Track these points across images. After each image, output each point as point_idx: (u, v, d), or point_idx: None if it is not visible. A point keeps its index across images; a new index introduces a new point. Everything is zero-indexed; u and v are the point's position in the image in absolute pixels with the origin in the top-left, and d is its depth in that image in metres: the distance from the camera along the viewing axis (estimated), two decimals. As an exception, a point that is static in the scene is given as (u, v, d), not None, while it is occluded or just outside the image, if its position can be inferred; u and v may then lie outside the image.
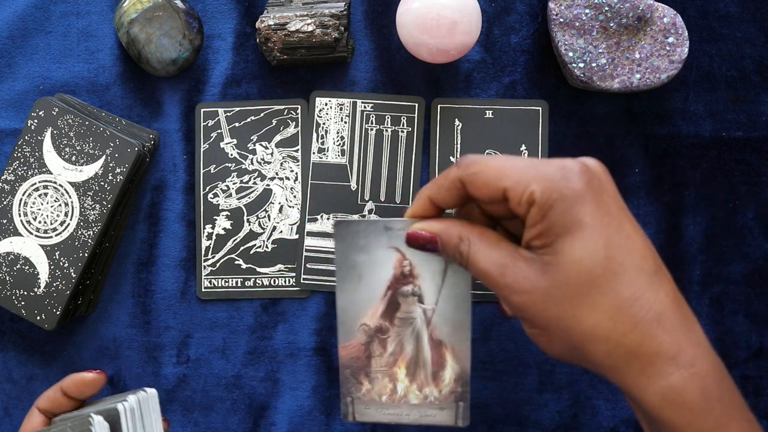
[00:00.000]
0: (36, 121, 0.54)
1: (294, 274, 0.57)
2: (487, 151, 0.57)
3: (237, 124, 0.57)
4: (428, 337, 0.48)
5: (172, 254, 0.57)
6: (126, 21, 0.55)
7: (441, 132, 0.57)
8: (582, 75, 0.53)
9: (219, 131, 0.57)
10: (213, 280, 0.57)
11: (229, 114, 0.57)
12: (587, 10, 0.53)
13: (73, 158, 0.53)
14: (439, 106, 0.57)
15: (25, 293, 0.53)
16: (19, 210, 0.54)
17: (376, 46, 0.57)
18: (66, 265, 0.53)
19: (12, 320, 0.57)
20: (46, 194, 0.54)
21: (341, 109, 0.57)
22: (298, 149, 0.57)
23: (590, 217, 0.38)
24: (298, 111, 0.57)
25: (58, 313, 0.53)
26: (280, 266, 0.57)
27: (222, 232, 0.57)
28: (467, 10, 0.52)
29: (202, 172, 0.57)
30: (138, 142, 0.54)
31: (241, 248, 0.57)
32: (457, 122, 0.57)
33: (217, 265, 0.57)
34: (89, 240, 0.53)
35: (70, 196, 0.53)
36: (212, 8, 0.58)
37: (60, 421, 0.46)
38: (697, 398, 0.37)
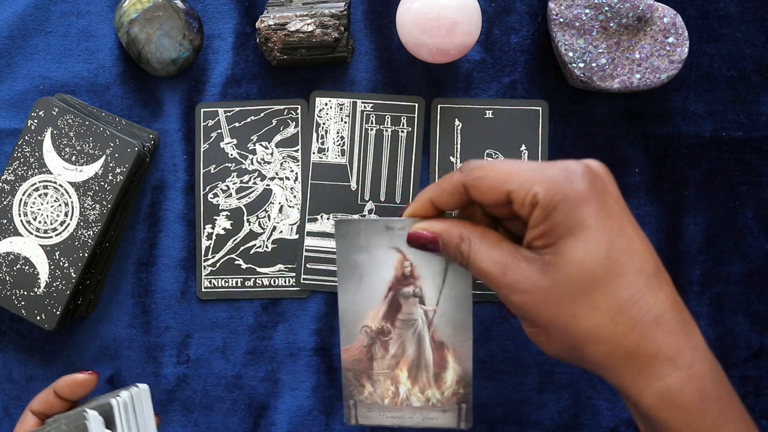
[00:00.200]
0: (36, 121, 0.54)
1: (294, 274, 0.57)
2: (487, 152, 0.57)
3: (237, 124, 0.57)
4: (430, 339, 0.48)
5: (172, 254, 0.57)
6: (126, 21, 0.55)
7: (441, 132, 0.57)
8: (582, 75, 0.53)
9: (219, 131, 0.57)
10: (213, 280, 0.57)
11: (229, 114, 0.57)
12: (587, 10, 0.53)
13: (73, 158, 0.53)
14: (439, 106, 0.57)
15: (25, 293, 0.53)
16: (19, 210, 0.54)
17: (376, 46, 0.57)
18: (66, 265, 0.53)
19: (12, 320, 0.57)
20: (46, 194, 0.54)
21: (341, 109, 0.57)
22: (298, 149, 0.57)
23: (593, 219, 0.38)
24: (298, 111, 0.57)
25: (58, 313, 0.53)
26: (280, 266, 0.57)
27: (222, 232, 0.57)
28: (467, 10, 0.52)
29: (202, 172, 0.57)
30: (138, 142, 0.54)
31: (241, 248, 0.57)
32: (457, 122, 0.57)
33: (217, 265, 0.57)
34: (89, 240, 0.53)
35: (70, 196, 0.53)
36: (212, 8, 0.58)
37: (53, 421, 0.46)
38: (695, 400, 0.37)
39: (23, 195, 0.54)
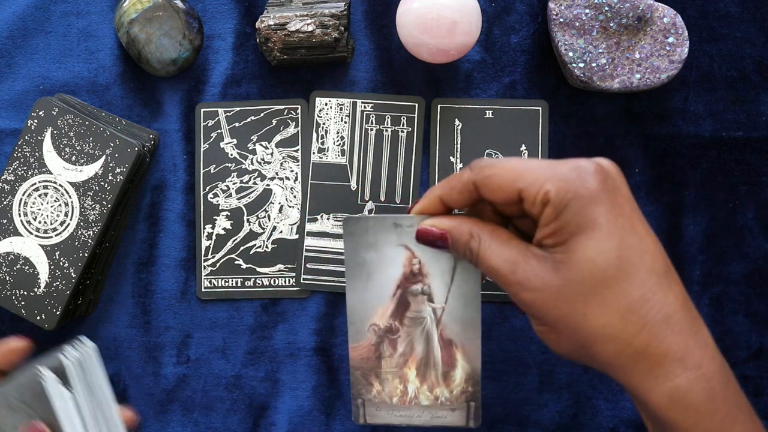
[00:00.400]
0: (36, 121, 0.54)
1: (294, 274, 0.57)
2: (487, 152, 0.57)
3: (237, 124, 0.57)
4: (438, 337, 0.48)
5: (172, 254, 0.57)
6: (126, 21, 0.55)
7: (441, 132, 0.57)
8: (582, 75, 0.53)
9: (219, 131, 0.57)
10: (213, 280, 0.57)
11: (229, 114, 0.57)
12: (587, 10, 0.53)
13: (73, 158, 0.53)
14: (439, 106, 0.57)
15: (25, 293, 0.53)
16: (19, 210, 0.54)
17: (376, 46, 0.57)
18: (66, 265, 0.53)
19: (12, 320, 0.57)
20: (46, 194, 0.54)
21: (341, 109, 0.57)
22: (298, 149, 0.57)
23: (604, 218, 0.38)
24: (298, 111, 0.57)
25: (58, 313, 0.53)
26: (280, 266, 0.57)
27: (222, 232, 0.57)
28: (467, 10, 0.52)
29: (202, 172, 0.57)
30: (138, 142, 0.54)
31: (241, 248, 0.57)
32: (457, 122, 0.57)
33: (217, 265, 0.57)
34: (89, 240, 0.53)
35: (70, 196, 0.53)
36: (212, 8, 0.58)
37: None
38: (703, 400, 0.37)
39: (23, 195, 0.54)
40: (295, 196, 0.57)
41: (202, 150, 0.57)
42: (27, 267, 0.53)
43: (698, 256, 0.56)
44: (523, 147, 0.57)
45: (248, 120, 0.57)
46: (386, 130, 0.57)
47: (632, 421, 0.56)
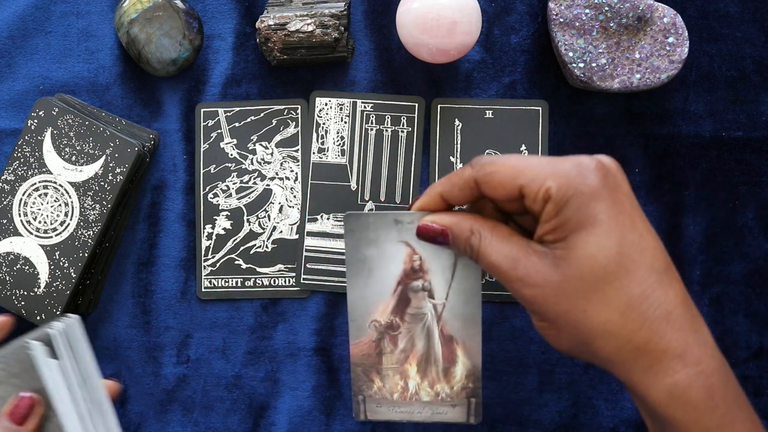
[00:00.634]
0: (36, 121, 0.54)
1: (294, 274, 0.57)
2: (487, 151, 0.57)
3: (237, 124, 0.57)
4: (439, 333, 0.48)
5: (172, 254, 0.57)
6: (126, 21, 0.55)
7: (441, 132, 0.57)
8: (582, 75, 0.53)
9: (219, 131, 0.57)
10: (213, 280, 0.57)
11: (229, 114, 0.57)
12: (587, 10, 0.53)
13: (73, 158, 0.54)
14: (439, 106, 0.57)
15: (25, 293, 0.53)
16: (19, 210, 0.54)
17: (376, 46, 0.57)
18: (66, 265, 0.53)
19: (12, 320, 0.57)
20: (46, 194, 0.54)
21: (341, 109, 0.57)
22: (298, 149, 0.57)
23: (605, 214, 0.38)
24: (298, 111, 0.57)
25: (58, 313, 0.53)
26: (280, 266, 0.57)
27: (222, 232, 0.57)
28: (467, 10, 0.52)
29: (202, 172, 0.57)
30: (138, 142, 0.54)
31: (241, 248, 0.57)
32: (457, 122, 0.57)
33: (217, 265, 0.57)
34: (89, 240, 0.53)
35: (70, 196, 0.53)
36: (212, 8, 0.58)
37: None
38: (703, 396, 0.37)
39: (23, 195, 0.54)
40: (295, 196, 0.57)
41: (202, 150, 0.57)
42: (27, 267, 0.53)
43: (698, 256, 0.56)
44: (523, 147, 0.57)
45: (248, 120, 0.57)
46: (386, 130, 0.57)
47: (632, 421, 0.56)
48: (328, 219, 0.57)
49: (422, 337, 0.48)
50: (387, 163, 0.57)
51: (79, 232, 0.53)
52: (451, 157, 0.57)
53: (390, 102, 0.57)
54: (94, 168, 0.53)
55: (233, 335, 0.57)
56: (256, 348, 0.57)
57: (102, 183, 0.53)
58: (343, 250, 0.56)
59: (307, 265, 0.57)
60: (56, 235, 0.53)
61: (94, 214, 0.53)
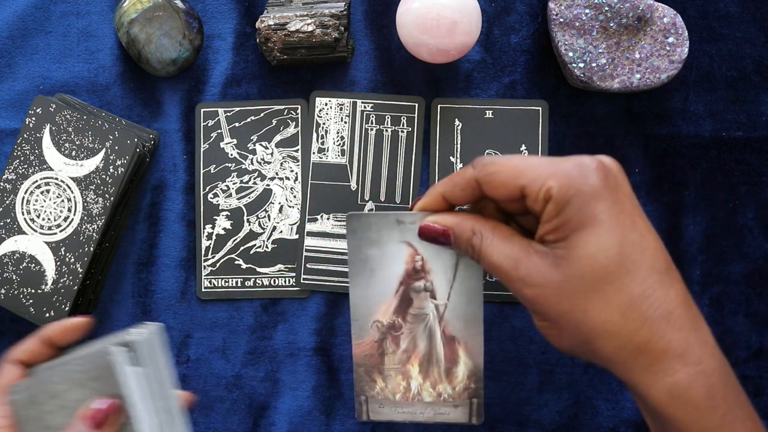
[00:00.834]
0: (34, 118, 0.54)
1: (294, 274, 0.57)
2: (487, 151, 0.57)
3: (237, 124, 0.57)
4: (441, 333, 0.48)
5: (172, 254, 0.57)
6: (126, 21, 0.55)
7: (441, 132, 0.57)
8: (582, 75, 0.53)
9: (219, 131, 0.57)
10: (213, 280, 0.57)
11: (229, 114, 0.57)
12: (587, 10, 0.53)
13: (73, 153, 0.53)
14: (439, 106, 0.57)
15: (33, 291, 0.53)
16: (22, 208, 0.54)
17: (376, 46, 0.57)
18: (72, 260, 0.53)
19: (12, 320, 0.57)
20: (48, 191, 0.54)
21: (341, 109, 0.57)
22: (298, 149, 0.57)
23: (606, 214, 0.38)
24: (298, 111, 0.57)
25: (66, 309, 0.53)
26: (280, 266, 0.57)
27: (222, 232, 0.57)
28: (467, 10, 0.52)
29: (202, 172, 0.57)
30: (136, 135, 0.54)
31: (241, 248, 0.57)
32: (457, 122, 0.57)
33: (217, 265, 0.57)
34: (94, 234, 0.53)
35: (72, 192, 0.53)
36: (212, 8, 0.58)
37: (47, 369, 0.43)
38: (703, 396, 0.37)
39: (25, 193, 0.54)
40: (295, 196, 0.57)
41: (202, 150, 0.57)
42: (33, 265, 0.53)
43: (698, 256, 0.56)
44: (523, 147, 0.57)
45: (248, 120, 0.57)
46: (386, 130, 0.57)
47: (632, 421, 0.56)
48: (328, 219, 0.57)
49: (424, 337, 0.48)
50: (387, 163, 0.57)
51: (84, 227, 0.53)
52: (451, 157, 0.57)
53: (390, 102, 0.57)
54: (94, 162, 0.53)
55: (233, 335, 0.57)
56: (256, 348, 0.57)
57: (103, 176, 0.53)
58: (344, 250, 0.56)
59: (307, 265, 0.57)
60: (60, 231, 0.53)
61: (97, 208, 0.53)
